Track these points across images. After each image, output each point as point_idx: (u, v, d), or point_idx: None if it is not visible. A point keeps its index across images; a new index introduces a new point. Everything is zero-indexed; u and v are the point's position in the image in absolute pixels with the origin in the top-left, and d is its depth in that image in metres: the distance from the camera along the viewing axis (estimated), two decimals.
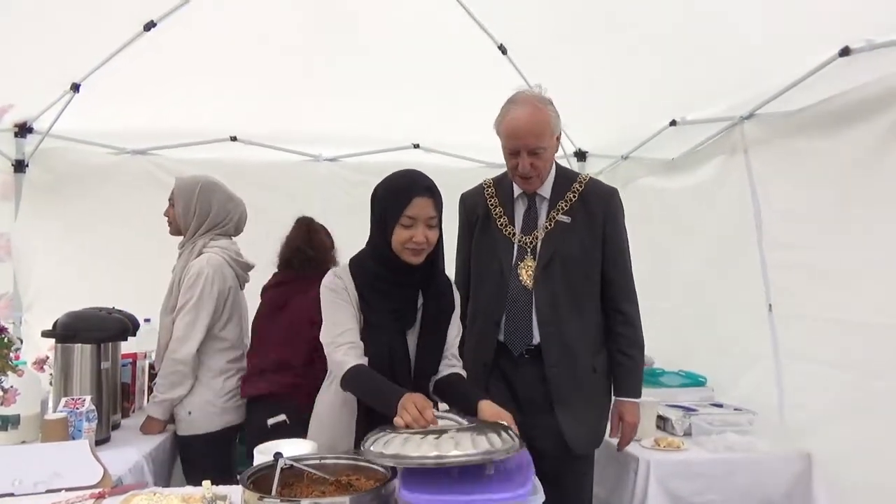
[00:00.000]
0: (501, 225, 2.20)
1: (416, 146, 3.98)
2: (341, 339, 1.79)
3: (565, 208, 2.14)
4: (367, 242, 1.91)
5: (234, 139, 3.78)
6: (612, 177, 3.88)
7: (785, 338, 2.70)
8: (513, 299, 2.13)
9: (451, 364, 1.96)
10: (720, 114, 2.99)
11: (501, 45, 3.24)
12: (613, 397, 2.23)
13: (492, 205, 2.24)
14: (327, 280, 1.90)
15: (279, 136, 3.86)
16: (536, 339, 2.11)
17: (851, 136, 2.32)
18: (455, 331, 2.01)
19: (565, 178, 2.21)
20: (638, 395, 2.21)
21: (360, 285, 1.86)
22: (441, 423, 1.55)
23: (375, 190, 1.88)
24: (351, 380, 1.75)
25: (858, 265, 2.32)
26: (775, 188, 2.74)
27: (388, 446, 1.40)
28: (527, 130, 2.03)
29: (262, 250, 2.77)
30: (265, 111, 3.57)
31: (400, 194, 1.79)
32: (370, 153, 4.01)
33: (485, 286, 2.21)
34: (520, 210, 2.21)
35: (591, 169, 4.21)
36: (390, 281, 1.85)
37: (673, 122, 3.31)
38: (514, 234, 2.18)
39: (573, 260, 2.11)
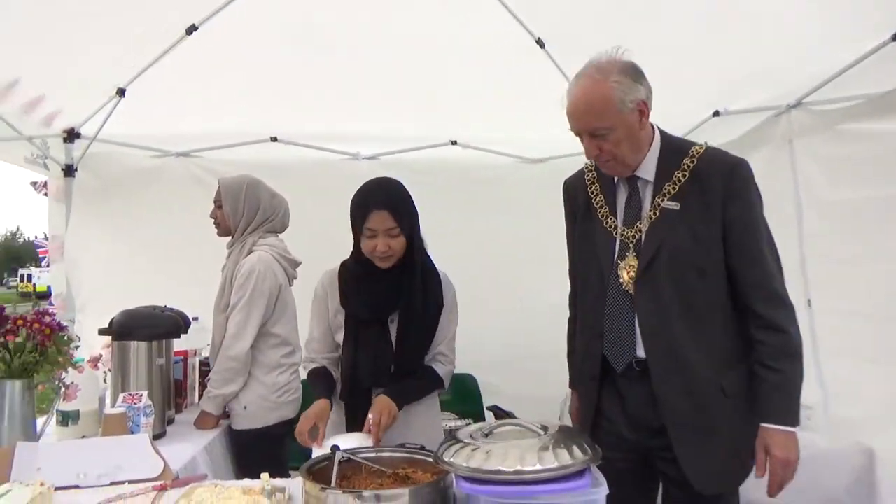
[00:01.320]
0: (602, 216, 1.85)
1: (454, 143, 3.98)
2: (308, 350, 2.16)
3: (672, 192, 1.73)
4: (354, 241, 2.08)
5: (274, 139, 3.83)
6: None
7: (823, 333, 2.63)
8: (613, 306, 1.79)
9: (437, 361, 2.09)
10: (765, 103, 2.93)
11: (539, 38, 3.22)
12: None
13: (592, 192, 1.89)
14: (317, 284, 2.16)
15: (319, 135, 3.89)
16: (642, 352, 1.74)
17: None
18: (448, 329, 2.11)
19: (673, 153, 1.76)
20: (791, 420, 1.66)
21: (342, 283, 2.08)
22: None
23: (351, 198, 2.02)
24: (308, 382, 2.12)
25: None
26: (819, 180, 2.67)
27: (471, 460, 1.36)
28: (582, 110, 1.70)
29: (302, 248, 2.80)
30: (304, 111, 3.60)
31: (360, 207, 1.96)
32: (409, 150, 4.02)
33: (587, 290, 1.90)
34: (622, 197, 1.83)
35: None
36: (365, 278, 2.02)
37: (716, 113, 3.25)
38: (615, 226, 1.82)
39: (684, 255, 1.70)
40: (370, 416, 1.86)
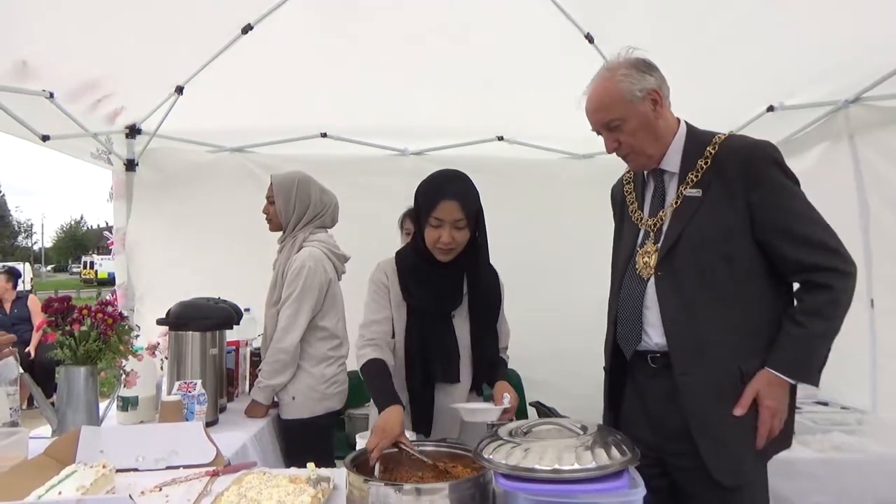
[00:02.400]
0: (632, 210, 1.89)
1: (501, 138, 3.98)
2: (368, 333, 2.00)
3: (695, 180, 1.73)
4: (415, 231, 2.05)
5: (324, 135, 3.90)
6: None
7: (885, 335, 2.55)
8: (626, 293, 1.81)
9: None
10: (822, 98, 2.84)
11: (588, 33, 3.19)
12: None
13: (627, 190, 1.95)
14: (373, 272, 2.09)
15: (367, 131, 3.95)
16: (655, 340, 1.73)
17: None
18: (506, 324, 2.15)
19: (697, 143, 1.77)
20: (794, 372, 1.63)
21: (402, 275, 2.03)
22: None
23: (418, 187, 2.01)
24: (364, 372, 1.93)
25: None
26: (885, 175, 2.58)
27: (510, 458, 1.38)
28: (594, 106, 1.76)
29: (350, 243, 2.85)
30: (353, 107, 3.65)
31: (429, 196, 1.94)
32: (455, 146, 4.04)
33: (613, 280, 1.94)
34: (649, 191, 1.86)
35: None
36: (427, 271, 2.00)
37: (770, 108, 3.17)
38: (641, 218, 1.85)
39: (706, 240, 1.68)
40: (506, 394, 1.91)
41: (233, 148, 4.02)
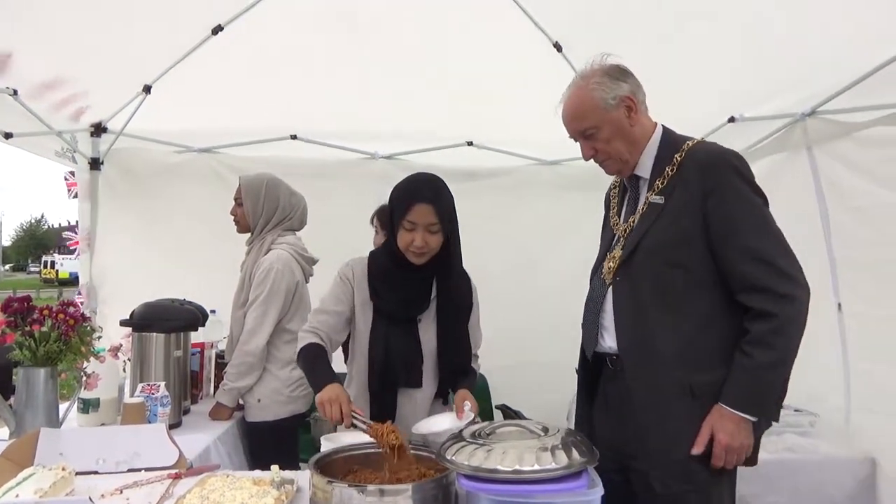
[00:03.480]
0: (612, 215, 1.92)
1: (470, 143, 4.01)
2: (314, 321, 2.02)
3: (660, 186, 1.72)
4: (388, 234, 2.05)
5: (294, 137, 3.88)
6: None
7: (854, 338, 2.63)
8: (591, 296, 1.85)
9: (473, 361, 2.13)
10: (781, 110, 2.93)
11: (557, 42, 3.25)
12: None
13: (612, 194, 1.97)
14: (342, 267, 2.09)
15: (337, 134, 3.94)
16: (608, 343, 1.77)
17: None
18: (477, 332, 2.15)
19: (670, 148, 1.76)
20: (746, 406, 1.59)
21: (372, 275, 2.03)
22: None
23: (392, 190, 2.01)
24: (300, 355, 1.95)
25: None
26: (842, 184, 2.67)
27: (473, 459, 1.41)
28: (569, 115, 1.78)
29: (318, 246, 2.85)
30: (324, 110, 3.64)
31: (403, 199, 1.93)
32: (425, 151, 4.06)
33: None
34: (626, 196, 1.89)
35: None
36: (397, 274, 2.00)
37: (731, 119, 3.26)
38: (617, 223, 1.87)
39: (662, 249, 1.67)
40: (467, 402, 1.90)
41: (201, 149, 3.98)
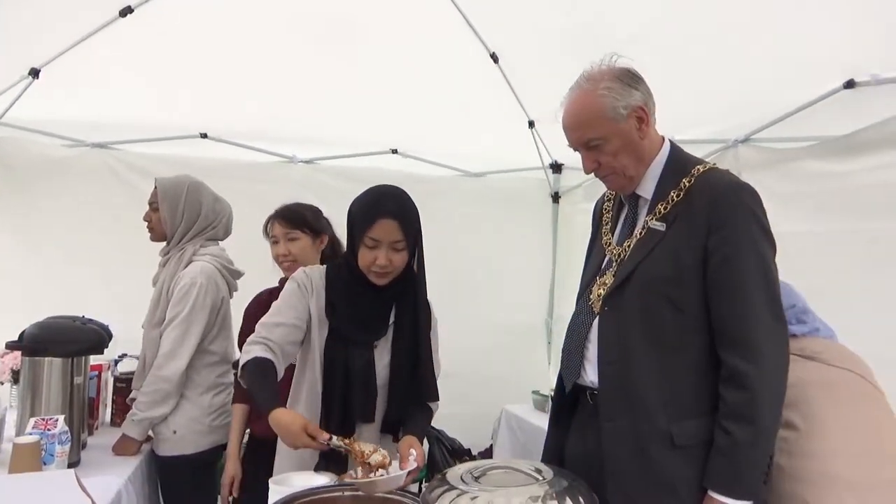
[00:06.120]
0: (604, 232, 1.73)
1: (395, 151, 3.87)
2: (266, 332, 1.73)
3: (662, 212, 1.55)
4: (347, 249, 1.85)
5: (204, 136, 3.58)
6: (591, 192, 3.87)
7: None
8: (576, 322, 1.67)
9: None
10: (713, 135, 3.01)
11: (493, 53, 3.18)
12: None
13: (606, 208, 1.78)
14: (298, 272, 1.86)
15: (253, 134, 3.68)
16: (590, 377, 1.60)
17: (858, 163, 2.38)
18: (435, 365, 1.92)
19: (677, 170, 1.58)
20: (729, 490, 1.42)
21: (330, 290, 1.82)
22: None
23: (351, 203, 1.82)
24: (245, 368, 1.67)
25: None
26: (770, 209, 2.78)
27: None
28: (574, 122, 1.58)
29: (232, 256, 2.58)
30: (239, 108, 3.40)
31: (364, 214, 1.75)
32: (347, 157, 3.88)
33: (576, 303, 1.76)
34: (623, 214, 1.70)
35: (567, 183, 4.16)
36: (357, 293, 1.81)
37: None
38: (610, 243, 1.69)
39: (658, 283, 1.51)
40: (412, 450, 1.64)
41: (95, 143, 3.58)
